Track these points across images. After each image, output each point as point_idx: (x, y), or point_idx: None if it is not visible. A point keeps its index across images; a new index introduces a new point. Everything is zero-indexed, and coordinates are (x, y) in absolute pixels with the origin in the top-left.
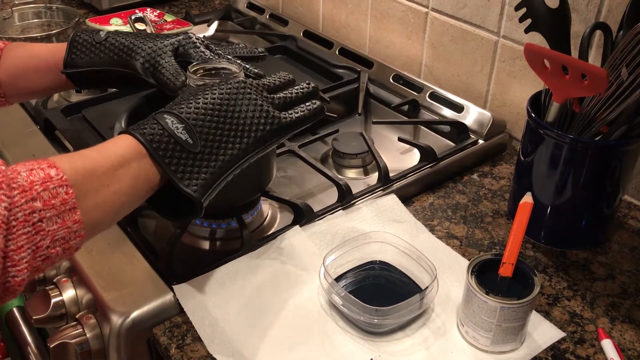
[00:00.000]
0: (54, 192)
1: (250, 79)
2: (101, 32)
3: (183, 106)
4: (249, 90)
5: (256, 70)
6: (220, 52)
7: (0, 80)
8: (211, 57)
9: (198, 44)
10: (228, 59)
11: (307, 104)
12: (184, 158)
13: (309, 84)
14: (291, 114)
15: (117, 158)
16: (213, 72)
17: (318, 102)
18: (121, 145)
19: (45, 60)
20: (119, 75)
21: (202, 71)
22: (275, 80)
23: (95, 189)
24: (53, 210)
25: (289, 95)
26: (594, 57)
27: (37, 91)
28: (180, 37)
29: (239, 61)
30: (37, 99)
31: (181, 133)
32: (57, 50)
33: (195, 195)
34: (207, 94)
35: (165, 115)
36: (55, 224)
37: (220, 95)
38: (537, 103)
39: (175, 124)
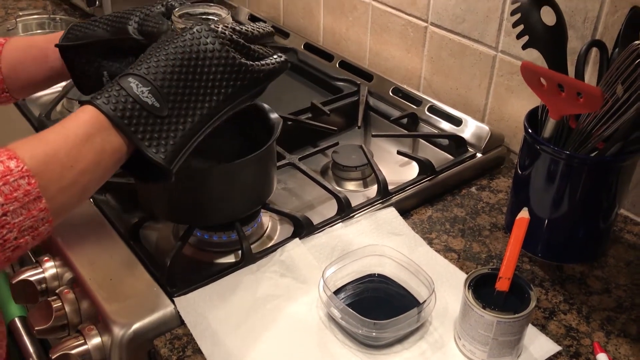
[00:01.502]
0: (15, 185)
1: (218, 25)
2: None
3: (149, 64)
4: (217, 39)
5: (239, 21)
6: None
7: (2, 74)
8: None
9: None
10: (220, 7)
11: (275, 56)
12: (151, 124)
13: (266, 26)
14: (263, 65)
15: (79, 136)
16: (201, 17)
17: (283, 55)
18: (83, 121)
19: (43, 48)
20: (114, 46)
21: (187, 16)
22: (249, 30)
23: (58, 173)
24: (16, 202)
25: (253, 32)
26: (590, 74)
27: (37, 82)
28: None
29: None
30: (39, 91)
31: (147, 97)
32: (55, 37)
33: (164, 162)
34: (171, 46)
35: (130, 79)
36: (20, 216)
37: (186, 48)
38: (535, 118)
39: (140, 87)
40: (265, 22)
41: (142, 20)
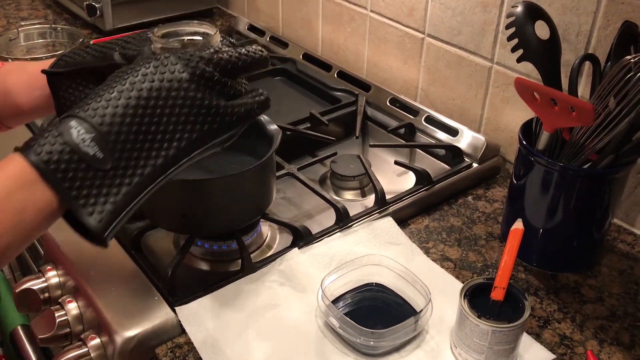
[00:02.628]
0: None
1: (193, 52)
2: None
3: (97, 103)
4: (186, 72)
5: (232, 40)
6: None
7: None
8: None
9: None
10: (209, 25)
11: (254, 94)
12: (90, 178)
13: (260, 50)
14: (238, 106)
15: None
16: (187, 37)
17: (265, 94)
18: (6, 174)
19: (34, 74)
20: (101, 73)
21: (170, 36)
22: (233, 57)
23: None
24: None
25: (240, 59)
26: (583, 86)
27: (25, 111)
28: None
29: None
30: (28, 120)
31: (88, 146)
32: (47, 63)
33: (97, 228)
34: (128, 81)
35: (72, 122)
36: None
37: (145, 84)
38: (529, 130)
39: (81, 133)
40: (264, 31)
41: (125, 44)
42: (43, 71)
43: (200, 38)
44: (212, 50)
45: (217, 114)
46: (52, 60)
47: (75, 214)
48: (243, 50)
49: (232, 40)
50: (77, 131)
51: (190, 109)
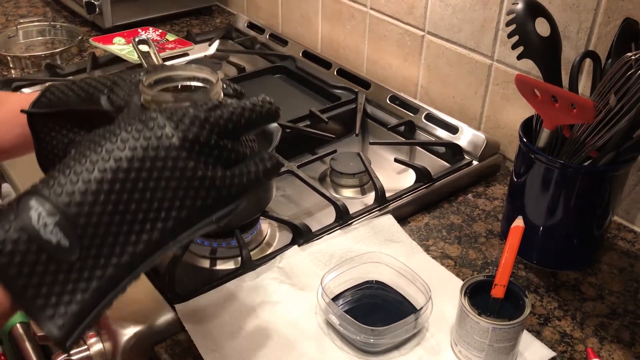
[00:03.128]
0: None
1: (186, 110)
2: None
3: (66, 178)
4: (176, 137)
5: (236, 87)
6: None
7: None
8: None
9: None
10: (208, 70)
11: (260, 155)
12: (51, 273)
13: (268, 102)
14: (239, 176)
15: None
16: (183, 84)
17: (275, 157)
18: None
19: (14, 110)
20: (85, 116)
21: (158, 82)
22: (236, 112)
23: None
24: None
25: (243, 115)
26: (584, 84)
27: (4, 149)
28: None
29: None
30: (7, 159)
31: (51, 234)
32: (30, 98)
33: (59, 334)
34: (104, 148)
35: (32, 202)
36: None
37: (125, 152)
38: (529, 127)
39: (43, 217)
40: (263, 28)
41: (114, 86)
42: (22, 111)
43: (199, 84)
44: (210, 105)
45: (213, 186)
46: (35, 95)
47: (32, 317)
48: (248, 103)
49: (235, 86)
50: (37, 214)
51: (179, 182)
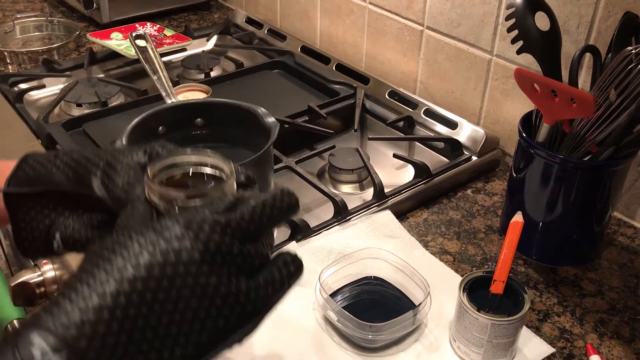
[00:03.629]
0: None
1: (204, 215)
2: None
3: (73, 305)
4: (196, 249)
5: (248, 174)
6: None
7: None
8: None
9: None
10: (217, 155)
11: (283, 258)
12: None
13: (288, 192)
14: (263, 288)
15: None
16: (188, 174)
17: (297, 257)
18: None
19: None
20: (71, 196)
21: (166, 172)
22: (256, 213)
23: None
24: None
25: (264, 215)
26: (584, 78)
27: None
28: (156, 144)
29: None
30: None
31: None
32: (3, 167)
33: None
34: (115, 266)
35: (34, 338)
36: None
37: (138, 271)
38: (529, 122)
39: (48, 355)
40: (262, 24)
41: (109, 172)
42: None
43: (210, 171)
44: (227, 203)
45: (237, 302)
46: (9, 163)
47: None
48: (268, 198)
49: (249, 173)
50: (40, 351)
51: (200, 302)
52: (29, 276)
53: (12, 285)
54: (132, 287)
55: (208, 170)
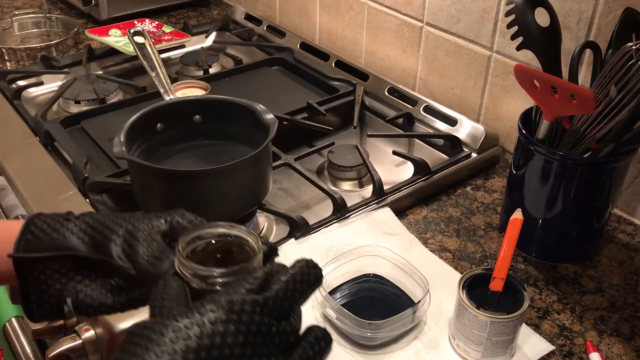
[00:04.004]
0: None
1: (242, 296)
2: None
3: None
4: (239, 333)
5: (270, 243)
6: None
7: None
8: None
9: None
10: (240, 227)
11: (313, 334)
12: None
13: (313, 266)
14: (311, 353)
15: None
16: (216, 247)
17: (327, 334)
18: None
19: None
20: (86, 263)
21: (192, 244)
22: (288, 293)
23: None
24: None
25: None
26: (584, 75)
27: None
28: (175, 213)
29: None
30: None
31: None
32: (11, 227)
33: None
34: (168, 352)
35: None
36: None
37: (196, 355)
38: (529, 119)
39: None
40: (261, 20)
41: (131, 241)
42: (10, 256)
43: (236, 243)
44: (260, 279)
45: None
46: (16, 223)
47: None
48: (297, 273)
49: (271, 244)
50: None
51: None
52: (71, 351)
53: (49, 357)
54: None
55: (234, 242)
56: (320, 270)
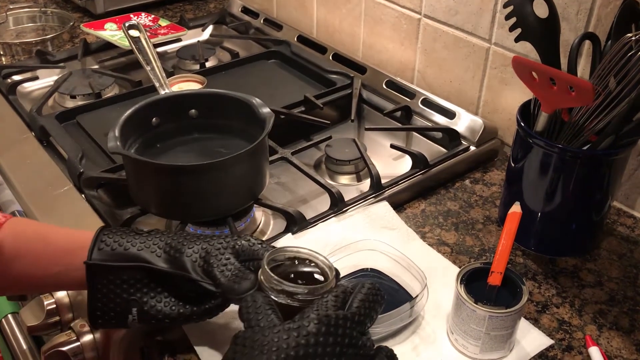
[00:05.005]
0: None
1: (336, 312)
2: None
3: None
4: (340, 344)
5: (335, 268)
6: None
7: None
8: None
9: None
10: (308, 250)
11: (384, 351)
12: None
13: (375, 287)
14: None
15: None
16: (297, 269)
17: (395, 358)
18: None
19: (55, 244)
20: (159, 278)
21: (271, 266)
22: (365, 305)
23: None
24: None
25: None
26: (583, 66)
27: (37, 286)
28: (241, 239)
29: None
30: (31, 293)
31: None
32: (77, 235)
33: None
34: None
35: None
36: None
37: (298, 350)
38: (527, 111)
39: None
40: (257, 13)
41: (207, 258)
42: (86, 263)
43: (309, 264)
44: (340, 298)
45: None
46: (79, 233)
47: None
48: (367, 291)
49: (334, 267)
50: None
51: None
52: (67, 347)
53: (45, 353)
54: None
55: (304, 263)
56: (382, 293)
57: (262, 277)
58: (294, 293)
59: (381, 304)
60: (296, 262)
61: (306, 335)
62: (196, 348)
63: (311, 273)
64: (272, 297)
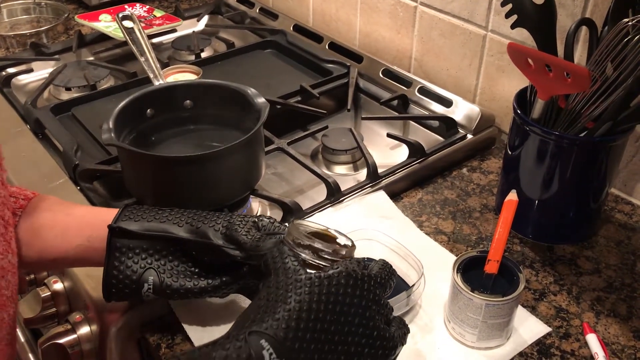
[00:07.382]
0: None
1: (363, 273)
2: None
3: (278, 315)
4: (363, 297)
5: (349, 236)
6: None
7: (20, 238)
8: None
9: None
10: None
11: (398, 320)
12: None
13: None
14: (396, 335)
15: None
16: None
17: (407, 327)
18: None
19: (80, 218)
20: (181, 249)
21: (308, 231)
22: (385, 271)
23: None
24: None
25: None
26: (580, 52)
27: (56, 260)
28: (262, 216)
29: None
30: (50, 270)
31: None
32: (101, 210)
33: None
34: (303, 290)
35: (263, 342)
36: None
37: (321, 297)
38: (524, 99)
39: (273, 356)
40: (253, 2)
41: (231, 227)
42: (110, 226)
43: (345, 248)
44: (361, 262)
45: (385, 338)
46: (103, 209)
47: None
48: (381, 262)
49: (350, 237)
50: (268, 354)
51: (361, 338)
52: (64, 339)
53: (42, 345)
54: (319, 299)
55: (324, 237)
56: (394, 270)
57: (287, 239)
58: (319, 250)
59: (394, 279)
60: (318, 235)
61: (336, 284)
62: (193, 340)
63: (334, 240)
64: (298, 251)
